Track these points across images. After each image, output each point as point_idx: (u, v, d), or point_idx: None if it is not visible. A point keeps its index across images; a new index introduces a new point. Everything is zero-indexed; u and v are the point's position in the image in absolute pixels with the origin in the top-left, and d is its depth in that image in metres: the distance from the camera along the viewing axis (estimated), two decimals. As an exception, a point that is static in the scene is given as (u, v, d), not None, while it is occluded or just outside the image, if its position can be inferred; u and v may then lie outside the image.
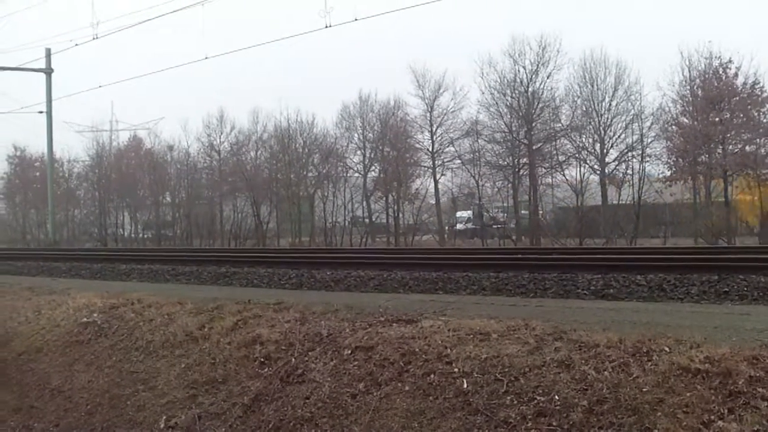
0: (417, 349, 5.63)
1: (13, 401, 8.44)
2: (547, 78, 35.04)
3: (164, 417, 6.62)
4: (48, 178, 35.99)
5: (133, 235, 51.58)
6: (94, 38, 24.54)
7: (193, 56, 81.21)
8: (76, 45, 25.73)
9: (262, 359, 6.45)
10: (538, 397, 4.66)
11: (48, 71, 32.02)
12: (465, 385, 5.00)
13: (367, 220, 43.60)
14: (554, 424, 4.39)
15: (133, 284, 12.64)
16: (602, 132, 34.44)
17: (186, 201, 48.06)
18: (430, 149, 40.09)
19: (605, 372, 4.70)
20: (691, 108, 30.92)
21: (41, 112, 32.74)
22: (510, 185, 36.79)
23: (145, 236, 51.14)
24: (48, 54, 31.60)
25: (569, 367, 4.90)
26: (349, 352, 5.98)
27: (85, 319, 9.29)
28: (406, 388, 5.22)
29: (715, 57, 29.83)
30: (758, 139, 29.12)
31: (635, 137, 33.60)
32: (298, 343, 6.41)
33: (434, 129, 39.85)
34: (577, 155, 35.05)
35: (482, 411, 4.69)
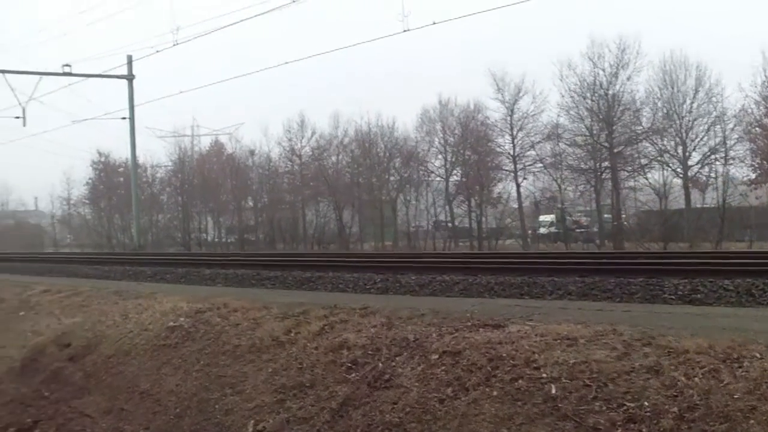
0: (504, 354, 6.12)
1: (103, 403, 9.60)
2: (627, 80, 37.44)
3: (252, 421, 7.42)
4: (132, 183, 39.23)
5: (216, 240, 55.93)
6: (174, 44, 26.67)
7: (273, 61, 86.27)
8: (157, 51, 27.89)
9: (349, 364, 7.14)
10: (628, 403, 5.02)
11: (130, 78, 34.90)
12: (553, 391, 5.43)
13: (449, 225, 46.76)
14: (644, 430, 4.76)
15: (218, 289, 13.84)
16: (684, 134, 36.53)
17: (268, 206, 52.20)
18: (512, 153, 42.86)
19: (695, 378, 5.03)
20: (774, 109, 32.14)
21: (124, 118, 35.67)
22: (592, 189, 39.31)
23: (228, 241, 55.33)
24: (129, 61, 34.44)
25: (658, 372, 5.27)
26: (437, 357, 6.53)
27: (172, 323, 10.38)
28: (494, 393, 5.71)
29: (800, 57, 30.92)
30: None
31: (718, 139, 35.63)
32: (385, 347, 7.05)
33: (515, 132, 42.65)
34: (659, 158, 37.32)
35: (571, 417, 5.11)
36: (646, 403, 4.99)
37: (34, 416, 10.24)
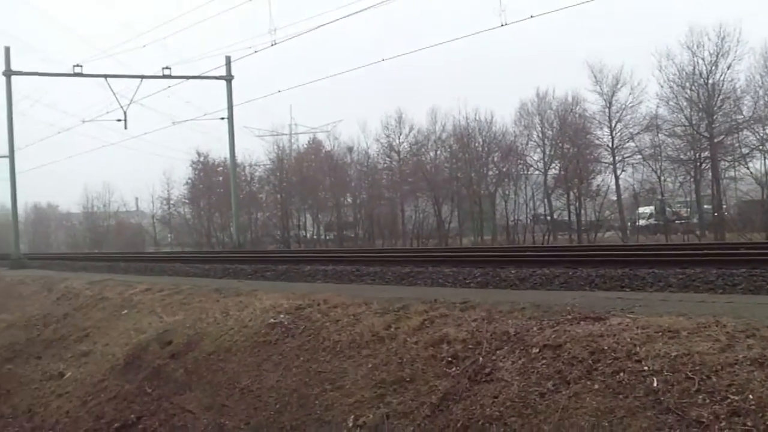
0: (605, 347, 6.52)
1: (205, 399, 10.58)
2: (728, 69, 39.83)
3: (352, 416, 8.12)
4: (231, 182, 41.83)
5: (315, 237, 60.65)
6: (272, 44, 28.63)
7: (370, 58, 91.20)
8: (255, 52, 30.12)
9: (449, 358, 7.72)
10: (732, 396, 5.31)
11: (228, 78, 37.70)
12: (655, 384, 5.77)
13: (548, 218, 50.44)
14: (749, 424, 5.03)
15: (317, 285, 14.82)
16: (787, 123, 37.97)
17: (367, 202, 56.73)
18: (610, 145, 46.36)
19: (802, 371, 5.28)
20: None
21: (223, 119, 38.69)
22: (692, 180, 42.22)
23: (327, 237, 59.99)
24: (228, 62, 37.31)
25: (763, 365, 5.54)
26: (537, 350, 7.01)
27: (272, 320, 11.28)
28: (596, 386, 6.11)
29: None
30: None
31: (822, 127, 37.10)
32: (486, 341, 7.58)
33: (613, 124, 46.09)
34: (761, 147, 39.52)
35: (673, 410, 5.45)
36: (750, 396, 5.26)
37: (137, 412, 11.35)
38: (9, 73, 34.39)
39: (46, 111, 74.58)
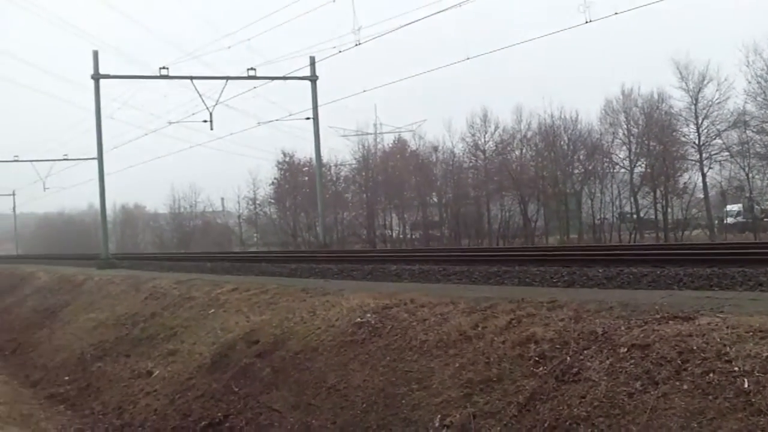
0: (695, 347, 6.67)
1: (291, 398, 11.13)
2: None
3: (439, 416, 8.48)
4: (317, 181, 43.29)
5: (401, 236, 63.57)
6: (356, 44, 29.48)
7: (455, 57, 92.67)
8: (340, 52, 31.02)
9: (536, 358, 8.00)
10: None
11: (313, 79, 39.17)
12: (746, 385, 5.89)
13: (635, 216, 52.01)
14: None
15: (403, 285, 15.28)
16: None
17: (453, 201, 59.29)
18: (697, 142, 47.90)
19: None
20: None
21: (308, 119, 40.20)
22: None
23: (413, 237, 63.00)
24: (312, 62, 38.79)
25: None
26: (625, 350, 7.21)
27: (359, 320, 11.75)
28: (684, 386, 6.27)
29: None
30: None
31: None
32: (573, 341, 7.84)
33: (700, 121, 47.49)
34: None
35: (765, 411, 5.54)
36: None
37: (224, 410, 12.01)
38: (97, 77, 36.16)
39: (132, 113, 78.36)
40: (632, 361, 7.04)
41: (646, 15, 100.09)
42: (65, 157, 59.53)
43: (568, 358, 7.66)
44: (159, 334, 17.27)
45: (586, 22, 22.10)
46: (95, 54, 35.94)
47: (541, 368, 7.86)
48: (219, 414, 11.99)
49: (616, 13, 21.93)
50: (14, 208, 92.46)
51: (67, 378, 18.32)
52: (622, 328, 7.73)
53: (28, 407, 16.12)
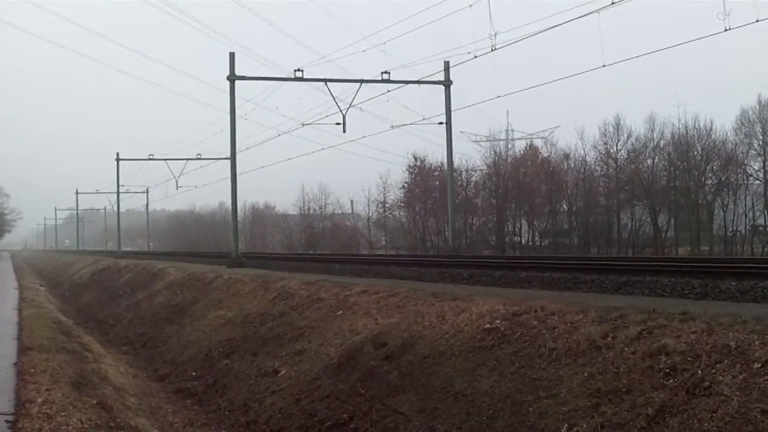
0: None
1: (417, 402, 11.63)
2: None
3: (566, 425, 8.80)
4: (448, 186, 44.14)
5: (530, 243, 65.08)
6: (492, 50, 29.96)
7: (589, 64, 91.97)
8: (475, 57, 31.58)
9: (667, 370, 8.22)
10: None
11: (447, 83, 40.06)
12: None
13: None
14: None
15: (533, 292, 15.63)
16: None
17: (583, 209, 60.97)
18: None
19: None
20: None
21: (441, 123, 41.13)
22: None
23: (542, 244, 64.61)
24: (446, 67, 39.51)
25: None
26: (759, 365, 7.35)
27: (488, 325, 12.17)
28: (821, 405, 6.43)
29: None
30: None
31: None
32: (705, 354, 8.01)
33: None
34: None
35: None
36: None
37: (350, 412, 12.62)
38: (233, 78, 37.91)
39: (265, 114, 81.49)
40: (766, 377, 7.18)
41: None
42: (198, 157, 62.21)
43: (700, 371, 7.84)
44: (286, 333, 18.06)
45: (725, 30, 21.85)
46: (231, 55, 37.69)
47: (671, 380, 8.07)
48: (344, 415, 12.60)
49: (757, 21, 21.52)
50: (147, 205, 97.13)
51: (194, 373, 19.45)
52: (756, 343, 7.85)
53: (156, 400, 17.20)
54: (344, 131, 38.40)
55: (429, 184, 72.39)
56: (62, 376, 13.90)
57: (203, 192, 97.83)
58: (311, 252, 71.18)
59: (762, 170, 52.60)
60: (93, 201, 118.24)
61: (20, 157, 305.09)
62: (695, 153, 56.03)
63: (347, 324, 16.22)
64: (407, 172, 74.45)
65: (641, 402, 8.15)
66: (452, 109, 40.22)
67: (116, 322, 33.41)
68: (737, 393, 7.23)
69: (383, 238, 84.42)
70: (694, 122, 55.82)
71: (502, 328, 11.77)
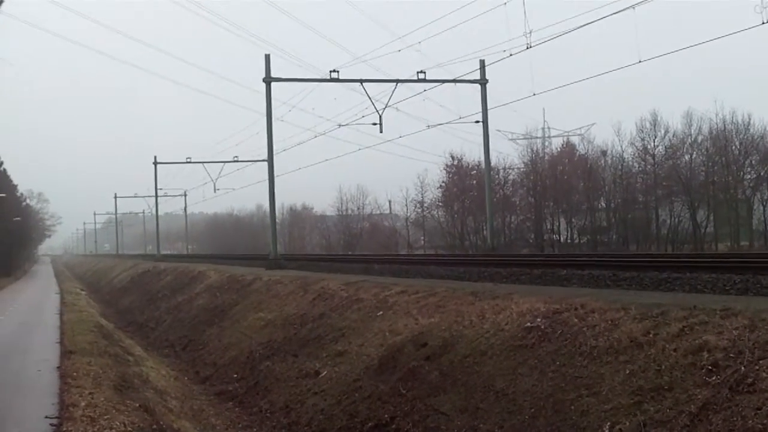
0: None
1: (458, 402, 11.74)
2: None
3: (608, 423, 8.86)
4: (486, 185, 44.27)
5: (568, 241, 65.55)
6: (527, 47, 30.08)
7: (626, 60, 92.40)
8: (510, 55, 31.66)
9: (709, 366, 8.24)
10: None
11: (483, 82, 40.19)
12: None
13: None
14: None
15: (572, 290, 15.63)
16: None
17: (621, 206, 61.33)
18: None
19: None
20: None
21: (477, 122, 41.31)
22: None
23: (581, 241, 64.93)
24: (482, 65, 39.60)
25: None
26: (803, 361, 7.34)
27: (528, 324, 12.24)
28: None
29: None
30: None
31: None
32: (748, 350, 8.02)
33: None
34: None
35: None
36: None
37: (391, 412, 12.76)
38: (269, 80, 38.22)
39: (301, 116, 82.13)
40: (810, 373, 7.18)
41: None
42: (235, 159, 62.73)
43: (743, 367, 7.85)
44: (327, 334, 18.23)
45: (762, 23, 21.77)
46: (267, 57, 37.96)
47: (714, 377, 8.09)
48: (386, 416, 12.76)
49: (794, 14, 21.49)
50: (185, 208, 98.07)
51: (235, 376, 19.75)
52: (800, 338, 7.82)
53: (198, 403, 17.52)
54: (381, 131, 38.63)
55: (466, 183, 72.25)
56: (104, 380, 14.24)
57: (241, 194, 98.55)
58: (350, 253, 71.47)
59: (802, 164, 51.50)
60: (132, 205, 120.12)
61: (60, 162, 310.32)
62: (733, 148, 56.19)
63: (387, 324, 16.35)
64: (444, 172, 74.36)
65: (684, 399, 8.18)
66: (488, 107, 40.32)
67: (156, 325, 33.95)
68: (781, 389, 7.25)
69: (422, 237, 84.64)
70: (732, 117, 56.15)
71: (542, 327, 11.84)
